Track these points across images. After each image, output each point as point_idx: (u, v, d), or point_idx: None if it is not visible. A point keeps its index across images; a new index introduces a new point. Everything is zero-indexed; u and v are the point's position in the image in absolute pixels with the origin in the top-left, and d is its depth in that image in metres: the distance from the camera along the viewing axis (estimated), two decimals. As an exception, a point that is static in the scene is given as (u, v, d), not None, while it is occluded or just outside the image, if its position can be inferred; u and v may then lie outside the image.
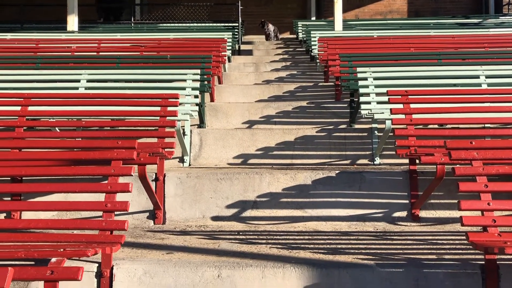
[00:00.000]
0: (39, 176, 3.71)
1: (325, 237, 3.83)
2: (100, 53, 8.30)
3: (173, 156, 5.01)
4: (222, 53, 7.96)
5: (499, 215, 3.13)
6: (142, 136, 4.81)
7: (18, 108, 4.91)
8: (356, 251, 3.37)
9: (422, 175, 4.33)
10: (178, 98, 4.97)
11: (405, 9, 16.28)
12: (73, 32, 10.31)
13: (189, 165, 5.41)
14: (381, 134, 5.23)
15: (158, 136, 4.55)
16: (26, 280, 2.90)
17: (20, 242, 3.05)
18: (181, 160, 5.38)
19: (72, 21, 10.51)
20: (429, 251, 3.36)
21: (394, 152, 4.72)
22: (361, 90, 5.70)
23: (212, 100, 6.96)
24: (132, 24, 13.20)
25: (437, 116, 4.87)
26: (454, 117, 4.89)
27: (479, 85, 5.89)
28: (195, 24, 12.29)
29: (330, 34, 9.67)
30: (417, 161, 4.21)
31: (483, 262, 2.96)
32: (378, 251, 3.38)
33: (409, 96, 4.85)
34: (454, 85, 5.88)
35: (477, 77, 5.98)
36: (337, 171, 4.41)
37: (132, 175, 3.34)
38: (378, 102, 5.46)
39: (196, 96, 5.72)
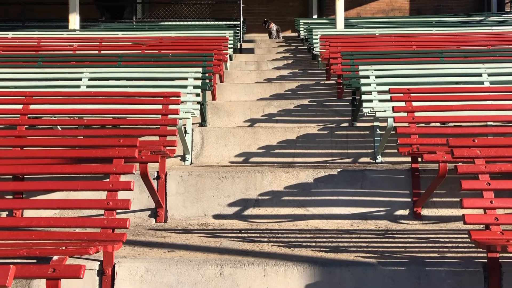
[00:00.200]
0: (40, 174, 3.70)
1: (327, 235, 3.83)
2: (102, 52, 8.30)
3: (175, 155, 5.01)
4: (224, 51, 7.95)
5: (502, 213, 3.12)
6: (144, 135, 4.80)
7: (20, 106, 4.93)
8: (358, 249, 3.37)
9: (424, 173, 4.32)
10: (179, 97, 4.97)
11: (407, 7, 16.26)
12: (74, 30, 10.31)
13: (191, 163, 5.41)
14: (383, 132, 5.22)
15: (160, 135, 4.55)
16: (28, 278, 2.90)
17: (22, 240, 3.06)
18: (183, 158, 5.38)
19: (74, 20, 10.51)
20: (431, 249, 3.36)
21: (396, 150, 4.71)
22: (363, 88, 5.70)
23: (213, 98, 6.96)
24: (134, 23, 13.20)
25: (439, 114, 4.86)
26: (456, 115, 4.89)
27: (482, 83, 5.89)
28: (197, 23, 12.29)
29: (332, 32, 9.64)
30: (419, 159, 4.21)
31: (486, 260, 2.95)
32: (380, 249, 3.37)
33: (411, 94, 4.84)
34: (456, 83, 5.88)
35: (480, 75, 5.97)
36: (339, 170, 4.40)
37: (133, 173, 3.33)
38: (380, 100, 5.46)
39: (197, 95, 5.72)
